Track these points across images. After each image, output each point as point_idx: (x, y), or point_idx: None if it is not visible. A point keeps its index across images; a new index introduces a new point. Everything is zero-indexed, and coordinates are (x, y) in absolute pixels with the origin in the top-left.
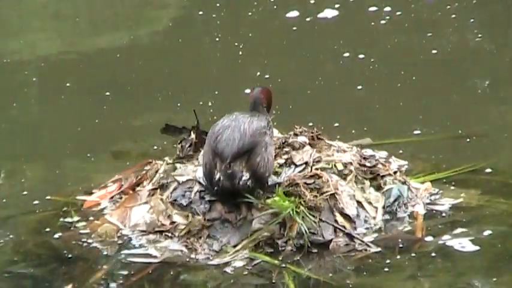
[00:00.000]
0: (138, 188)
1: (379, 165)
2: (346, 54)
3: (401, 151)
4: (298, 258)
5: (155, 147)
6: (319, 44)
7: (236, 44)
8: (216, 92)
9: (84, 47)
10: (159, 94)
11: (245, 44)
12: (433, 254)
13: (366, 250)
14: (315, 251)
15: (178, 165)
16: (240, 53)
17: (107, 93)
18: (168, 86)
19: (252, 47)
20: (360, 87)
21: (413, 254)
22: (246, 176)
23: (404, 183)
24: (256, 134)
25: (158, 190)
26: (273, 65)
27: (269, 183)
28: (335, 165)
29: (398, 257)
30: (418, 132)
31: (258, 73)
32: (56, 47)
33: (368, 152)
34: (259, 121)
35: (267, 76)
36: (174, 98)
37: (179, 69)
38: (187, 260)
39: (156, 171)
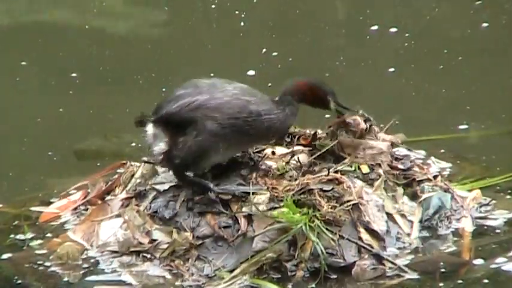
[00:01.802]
0: (108, 197)
1: (415, 168)
2: (375, 27)
3: (443, 150)
4: (312, 286)
5: (132, 145)
6: (340, 14)
7: (237, 11)
8: (212, 74)
9: (45, 17)
10: (139, 76)
11: (248, 13)
12: (485, 281)
13: (398, 276)
14: (334, 276)
15: (160, 168)
16: (242, 23)
17: (74, 75)
18: (150, 66)
19: (257, 16)
20: (391, 69)
21: (459, 281)
22: (159, 146)
23: (447, 190)
24: (207, 109)
25: (134, 199)
26: (283, 39)
27: (194, 181)
28: (359, 168)
29: (440, 284)
30: (465, 126)
31: (264, 50)
32: (9, 17)
33: (401, 151)
34: (256, 104)
35: (274, 53)
36: (157, 82)
37: (165, 44)
38: None
39: (132, 176)
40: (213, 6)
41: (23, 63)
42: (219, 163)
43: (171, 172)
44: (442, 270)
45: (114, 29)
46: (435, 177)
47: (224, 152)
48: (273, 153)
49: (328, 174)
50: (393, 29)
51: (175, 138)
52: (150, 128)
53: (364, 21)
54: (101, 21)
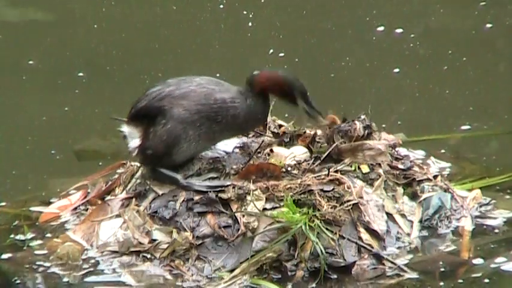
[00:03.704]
0: (108, 197)
1: (415, 168)
2: (380, 29)
3: (443, 150)
4: (312, 285)
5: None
6: (346, 14)
7: (245, 12)
8: (218, 74)
9: (53, 13)
10: (146, 76)
11: (256, 13)
12: (485, 281)
13: (398, 275)
14: (334, 276)
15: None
16: (250, 24)
17: (80, 74)
18: (157, 65)
19: (264, 17)
20: (396, 70)
21: (458, 281)
22: (134, 142)
23: (447, 190)
24: (172, 99)
25: (134, 199)
26: (290, 40)
27: (169, 175)
28: (359, 168)
29: (440, 284)
30: (467, 127)
31: (271, 51)
32: (17, 12)
33: (401, 151)
34: (221, 92)
35: (281, 54)
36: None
37: (172, 44)
38: None
39: (132, 176)
40: (221, 6)
41: (30, 62)
42: (195, 156)
43: (144, 167)
44: (442, 269)
45: (121, 28)
46: (435, 177)
47: (196, 142)
48: (271, 151)
49: (328, 175)
50: (399, 30)
51: (147, 130)
52: (125, 129)
53: (370, 22)
54: (108, 21)
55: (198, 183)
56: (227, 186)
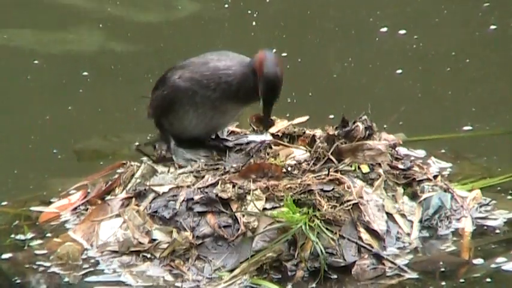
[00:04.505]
0: (108, 197)
1: (415, 168)
2: (384, 29)
3: (443, 150)
4: (312, 285)
5: (136, 143)
6: (350, 15)
7: (249, 11)
8: None
9: (58, 13)
10: (150, 75)
11: (260, 13)
12: (486, 280)
13: (398, 275)
14: (334, 276)
15: (159, 167)
16: (254, 23)
17: (85, 74)
18: (162, 64)
19: (269, 16)
20: (399, 71)
21: (459, 281)
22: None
23: (447, 190)
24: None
25: (134, 199)
26: (293, 40)
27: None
28: (359, 167)
29: (440, 284)
30: (469, 128)
31: (274, 50)
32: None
33: (402, 151)
34: (219, 61)
35: (284, 54)
36: None
37: (177, 43)
38: None
39: (132, 176)
40: (226, 5)
41: (35, 61)
42: (212, 126)
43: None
44: (442, 270)
45: (126, 27)
46: (435, 177)
47: (195, 110)
48: (270, 146)
49: (328, 175)
50: (402, 31)
51: (152, 95)
52: None
53: (373, 22)
54: (113, 20)
55: (180, 155)
56: (195, 161)
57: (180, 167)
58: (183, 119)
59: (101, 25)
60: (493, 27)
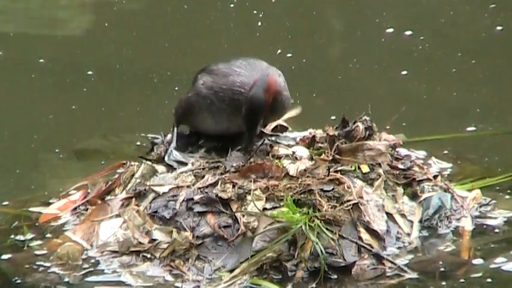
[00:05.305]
0: (108, 197)
1: (415, 168)
2: (390, 30)
3: (446, 151)
4: (312, 286)
5: (138, 143)
6: (356, 16)
7: (255, 11)
8: None
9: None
10: (154, 75)
11: (266, 13)
12: (486, 280)
13: (398, 275)
14: (334, 276)
15: (159, 167)
16: (259, 23)
17: (89, 73)
18: (167, 64)
19: (274, 17)
20: (404, 72)
21: (459, 281)
22: None
23: (447, 190)
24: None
25: (134, 199)
26: (298, 40)
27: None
28: (359, 168)
29: (440, 284)
30: (473, 129)
31: (279, 51)
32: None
33: (402, 151)
34: (239, 75)
35: (289, 55)
36: (172, 81)
37: (182, 43)
38: None
39: (132, 176)
40: (232, 5)
41: (41, 60)
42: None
43: None
44: (442, 269)
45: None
46: (435, 177)
47: (212, 118)
48: (271, 146)
49: (328, 175)
50: (408, 32)
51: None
52: None
53: (379, 23)
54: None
55: (173, 157)
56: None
57: (172, 168)
58: (202, 122)
59: (106, 24)
60: (499, 28)
